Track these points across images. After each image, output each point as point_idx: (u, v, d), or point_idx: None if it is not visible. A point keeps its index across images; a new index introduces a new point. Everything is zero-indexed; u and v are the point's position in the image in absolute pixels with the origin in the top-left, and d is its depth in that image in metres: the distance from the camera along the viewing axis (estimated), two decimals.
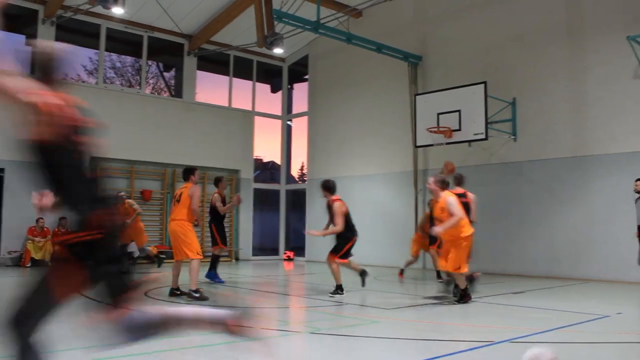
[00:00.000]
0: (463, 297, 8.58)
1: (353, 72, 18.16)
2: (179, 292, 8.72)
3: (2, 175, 14.82)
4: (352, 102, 18.13)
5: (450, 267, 8.52)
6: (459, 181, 10.23)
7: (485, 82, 13.26)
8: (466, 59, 15.21)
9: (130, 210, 13.60)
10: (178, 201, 8.78)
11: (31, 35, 16.08)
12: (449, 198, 8.57)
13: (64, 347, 5.32)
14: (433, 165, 15.76)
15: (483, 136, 13.21)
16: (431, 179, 8.85)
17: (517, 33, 14.36)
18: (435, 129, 13.71)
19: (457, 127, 13.49)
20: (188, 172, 9.15)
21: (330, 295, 9.24)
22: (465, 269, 8.52)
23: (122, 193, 14.25)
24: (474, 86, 13.37)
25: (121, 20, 16.62)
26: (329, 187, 9.58)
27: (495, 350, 5.39)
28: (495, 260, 14.01)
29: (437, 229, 8.37)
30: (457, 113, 13.49)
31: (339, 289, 9.32)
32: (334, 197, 9.47)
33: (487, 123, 13.18)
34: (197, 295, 8.30)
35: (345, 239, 9.42)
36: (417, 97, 14.82)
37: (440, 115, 13.79)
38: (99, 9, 14.53)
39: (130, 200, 14.23)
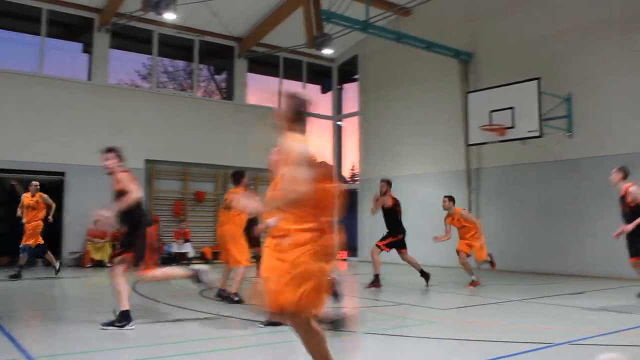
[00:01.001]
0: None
1: (403, 71, 18.04)
2: (226, 294, 8.74)
3: (64, 179, 15.32)
4: (403, 101, 18.01)
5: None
6: (626, 173, 8.31)
7: (539, 78, 13.01)
8: (519, 54, 14.89)
9: (40, 205, 12.09)
10: (228, 208, 8.68)
11: (87, 43, 16.58)
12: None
13: (110, 346, 5.48)
14: (486, 164, 15.55)
15: (538, 133, 12.97)
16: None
17: (571, 26, 13.99)
18: (489, 127, 13.51)
19: (511, 125, 13.29)
20: (238, 176, 8.95)
21: (105, 325, 6.23)
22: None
23: (35, 184, 12.17)
24: (527, 82, 13.14)
25: (173, 26, 16.95)
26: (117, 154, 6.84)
27: (556, 352, 5.27)
28: (552, 259, 13.73)
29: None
30: (511, 110, 13.28)
31: (123, 318, 6.30)
32: (120, 169, 6.72)
33: (541, 120, 12.93)
34: (236, 299, 8.35)
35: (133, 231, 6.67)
36: (469, 94, 14.64)
37: (493, 113, 13.60)
38: (151, 15, 14.85)
39: (45, 195, 12.25)
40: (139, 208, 6.74)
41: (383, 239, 11.01)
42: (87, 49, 16.68)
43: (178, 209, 17.30)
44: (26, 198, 12.23)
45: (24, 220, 12.06)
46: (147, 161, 16.62)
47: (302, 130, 4.06)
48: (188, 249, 16.70)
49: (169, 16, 13.89)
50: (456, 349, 5.61)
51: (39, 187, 12.16)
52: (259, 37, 18.47)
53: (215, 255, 16.86)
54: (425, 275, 11.00)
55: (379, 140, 18.80)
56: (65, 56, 17.21)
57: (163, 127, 16.92)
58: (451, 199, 11.37)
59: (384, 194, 11.19)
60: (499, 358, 4.96)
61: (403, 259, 11.09)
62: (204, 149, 17.53)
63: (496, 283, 11.64)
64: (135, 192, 6.55)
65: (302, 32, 16.51)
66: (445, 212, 11.43)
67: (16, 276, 11.65)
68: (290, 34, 18.09)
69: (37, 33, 15.56)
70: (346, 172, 22.52)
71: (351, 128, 20.63)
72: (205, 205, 17.80)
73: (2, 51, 15.69)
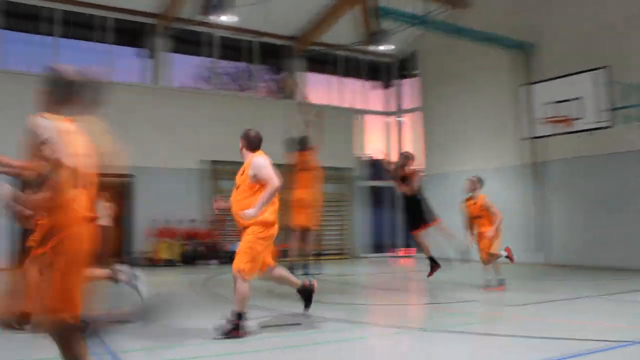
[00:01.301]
0: (231, 330, 5.66)
1: (462, 64, 17.77)
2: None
3: (133, 181, 15.80)
4: (464, 95, 17.72)
5: (234, 267, 6.05)
6: None
7: (605, 67, 12.62)
8: (581, 44, 14.42)
9: None
10: (306, 170, 8.84)
11: (148, 47, 17.09)
12: (260, 159, 6.48)
13: (180, 342, 5.58)
14: (551, 157, 15.17)
15: (606, 124, 12.59)
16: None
17: (637, 11, 13.49)
18: (555, 119, 13.20)
19: (577, 116, 12.94)
20: (305, 141, 9.10)
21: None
22: (249, 275, 5.97)
23: None
24: (593, 71, 12.77)
25: (231, 28, 17.19)
26: None
27: (636, 352, 5.09)
28: (619, 253, 13.28)
29: (250, 212, 5.93)
30: (577, 101, 12.95)
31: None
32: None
33: (610, 110, 12.55)
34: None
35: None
36: (532, 86, 14.32)
37: (558, 104, 13.29)
38: (209, 19, 15.15)
39: None
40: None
41: (417, 223, 9.92)
42: (150, 54, 17.19)
43: None
44: None
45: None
46: (211, 162, 16.92)
47: (74, 112, 3.49)
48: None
49: (227, 19, 14.15)
50: (522, 347, 5.41)
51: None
52: (316, 35, 18.57)
53: (284, 253, 16.98)
54: (434, 264, 9.84)
55: (441, 135, 18.57)
56: (130, 62, 17.75)
57: (225, 128, 17.16)
58: (480, 180, 10.12)
59: (400, 167, 10.03)
60: (569, 357, 4.84)
61: (417, 238, 10.12)
62: (265, 148, 17.66)
63: (561, 279, 11.38)
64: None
65: (359, 29, 16.50)
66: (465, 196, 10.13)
67: None
68: (347, 32, 18.12)
69: (102, 41, 16.22)
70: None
71: (409, 124, 20.52)
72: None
73: (74, 60, 16.32)
